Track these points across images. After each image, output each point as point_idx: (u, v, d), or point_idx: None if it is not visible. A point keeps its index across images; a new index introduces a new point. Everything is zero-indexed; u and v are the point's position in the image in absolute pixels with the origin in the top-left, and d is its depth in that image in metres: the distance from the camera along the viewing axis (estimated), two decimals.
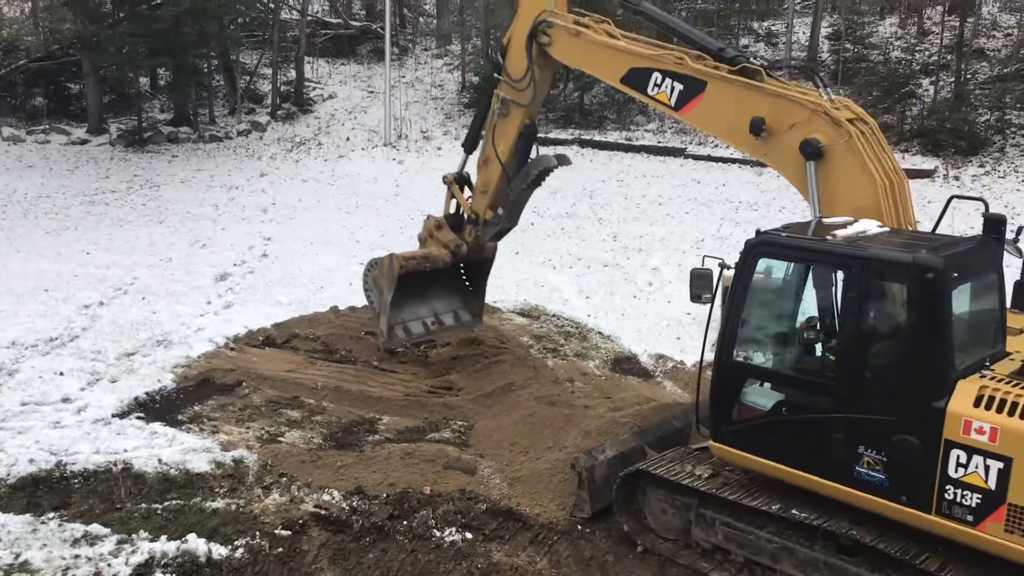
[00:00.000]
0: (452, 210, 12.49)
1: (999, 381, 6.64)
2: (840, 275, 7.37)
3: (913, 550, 6.87)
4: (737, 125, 8.72)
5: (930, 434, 6.69)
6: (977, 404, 6.53)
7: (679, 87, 9.13)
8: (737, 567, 7.92)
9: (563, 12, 10.41)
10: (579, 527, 8.70)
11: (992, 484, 6.46)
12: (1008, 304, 8.36)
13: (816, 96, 8.57)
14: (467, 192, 12.42)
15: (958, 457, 6.58)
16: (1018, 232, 8.29)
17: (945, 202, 8.47)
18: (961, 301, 7.20)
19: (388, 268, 12.03)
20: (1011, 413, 6.39)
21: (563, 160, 11.59)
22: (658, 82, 9.27)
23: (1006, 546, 6.47)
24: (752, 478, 7.97)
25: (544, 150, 11.74)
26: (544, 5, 10.44)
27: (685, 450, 8.74)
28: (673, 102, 9.23)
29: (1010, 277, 8.04)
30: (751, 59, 9.17)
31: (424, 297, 12.66)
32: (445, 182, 12.44)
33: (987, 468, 6.47)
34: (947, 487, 6.66)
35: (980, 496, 6.52)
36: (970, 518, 6.59)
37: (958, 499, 6.62)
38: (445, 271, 12.54)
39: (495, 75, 11.33)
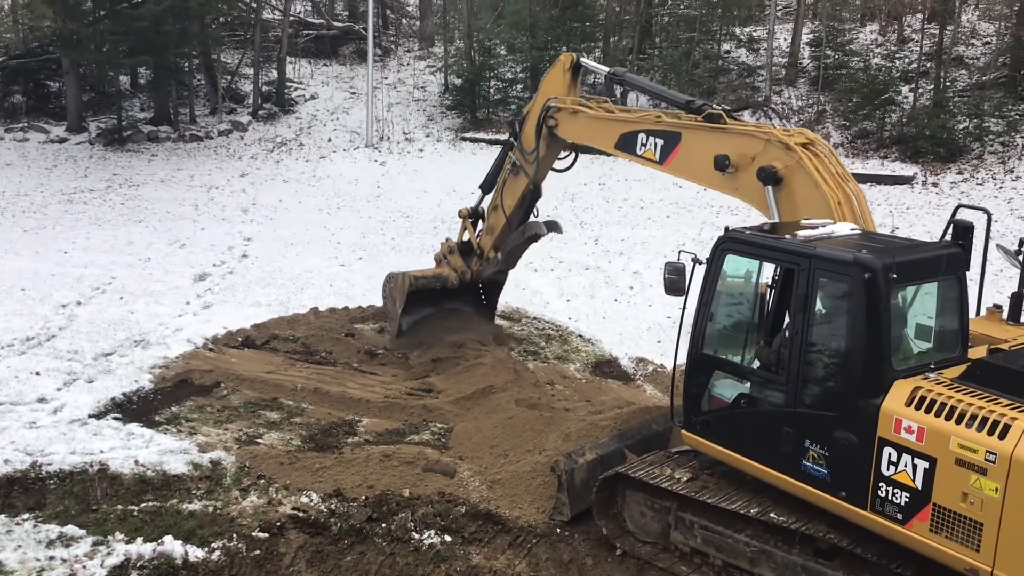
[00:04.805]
0: (465, 238, 13.66)
1: (937, 383, 6.68)
2: (791, 272, 7.48)
3: (890, 555, 6.90)
4: (710, 167, 9.41)
5: (866, 431, 6.79)
6: (909, 404, 6.60)
7: (660, 142, 10.08)
8: (716, 570, 7.96)
9: (569, 97, 11.57)
10: (558, 530, 8.70)
11: (919, 483, 6.52)
12: (1006, 316, 8.45)
13: (769, 128, 9.30)
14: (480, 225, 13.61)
15: (890, 455, 6.66)
16: (1021, 245, 8.41)
17: (952, 211, 8.60)
18: (909, 303, 7.31)
19: (401, 284, 13.44)
20: (938, 414, 6.44)
21: (553, 227, 12.73)
22: (644, 142, 10.24)
23: (931, 546, 6.52)
24: (731, 481, 8.01)
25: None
26: (555, 92, 11.67)
27: (665, 453, 8.80)
28: (658, 157, 10.11)
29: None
30: (714, 105, 10.02)
31: (436, 306, 13.90)
32: (460, 216, 13.66)
33: (915, 467, 6.53)
34: (880, 484, 6.74)
35: (908, 495, 6.59)
36: (900, 516, 6.66)
37: (889, 497, 6.70)
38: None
39: (511, 139, 12.51)
